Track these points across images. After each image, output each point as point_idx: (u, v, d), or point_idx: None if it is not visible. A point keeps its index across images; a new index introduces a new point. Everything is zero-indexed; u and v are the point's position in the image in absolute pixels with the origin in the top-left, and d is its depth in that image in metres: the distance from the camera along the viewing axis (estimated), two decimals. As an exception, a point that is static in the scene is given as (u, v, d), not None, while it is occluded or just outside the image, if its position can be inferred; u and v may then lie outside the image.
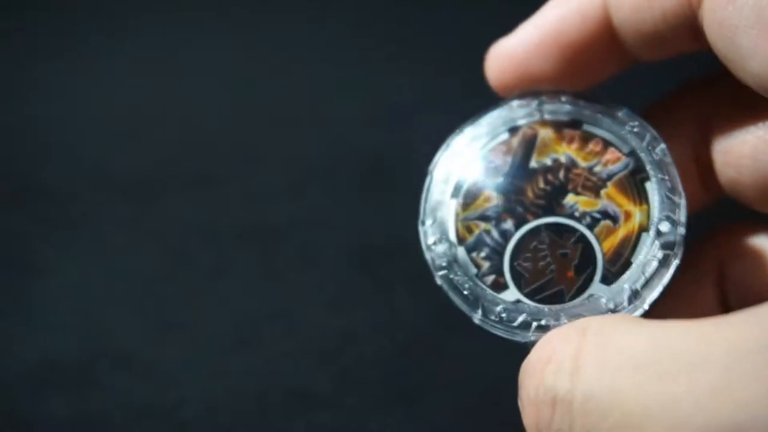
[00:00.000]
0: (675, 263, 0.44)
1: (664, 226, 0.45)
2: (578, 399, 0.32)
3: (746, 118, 0.45)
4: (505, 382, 0.41)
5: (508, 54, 0.47)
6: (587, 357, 0.33)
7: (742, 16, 0.40)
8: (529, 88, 0.47)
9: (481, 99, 0.47)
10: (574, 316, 0.43)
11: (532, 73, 0.47)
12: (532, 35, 0.46)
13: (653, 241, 0.45)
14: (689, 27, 0.44)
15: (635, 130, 0.46)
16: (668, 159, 0.45)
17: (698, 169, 0.47)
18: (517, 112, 0.47)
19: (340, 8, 0.72)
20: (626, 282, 0.44)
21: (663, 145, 0.46)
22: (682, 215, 0.45)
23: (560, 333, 0.36)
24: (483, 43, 0.48)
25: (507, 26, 0.48)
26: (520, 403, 0.38)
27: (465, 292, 0.45)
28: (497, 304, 0.44)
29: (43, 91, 0.59)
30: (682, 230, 0.44)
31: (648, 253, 0.44)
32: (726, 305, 0.47)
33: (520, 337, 0.44)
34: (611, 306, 0.44)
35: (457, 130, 0.47)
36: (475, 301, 0.45)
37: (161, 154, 0.61)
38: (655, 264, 0.44)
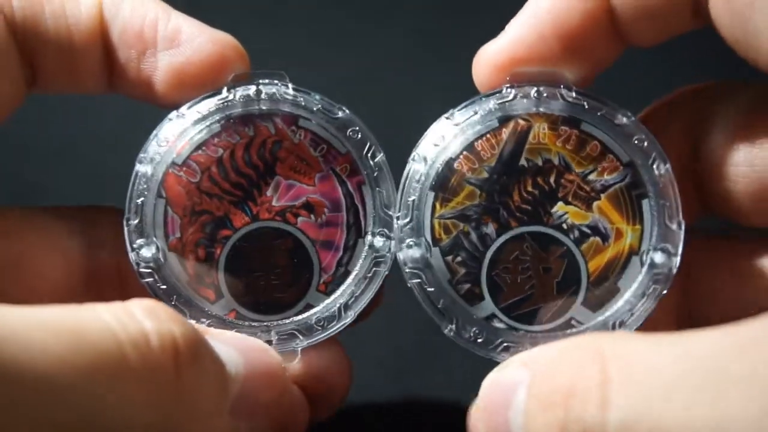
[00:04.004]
0: (663, 294, 0.41)
1: (659, 257, 0.41)
2: (612, 430, 0.31)
3: (739, 126, 0.41)
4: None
5: (503, 53, 0.42)
6: (614, 383, 0.31)
7: None
8: (524, 74, 0.42)
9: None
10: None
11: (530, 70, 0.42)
12: (530, 28, 0.41)
13: (645, 272, 0.42)
14: (691, 2, 0.40)
15: (643, 144, 0.42)
16: (672, 181, 0.41)
17: (690, 184, 0.44)
18: (511, 100, 0.42)
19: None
20: (612, 318, 0.42)
21: (668, 166, 0.41)
22: (679, 246, 0.41)
23: (573, 356, 0.33)
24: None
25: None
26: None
27: (438, 306, 0.42)
28: (472, 324, 0.42)
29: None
30: (676, 262, 0.41)
31: (638, 287, 0.42)
32: (688, 315, 0.45)
33: (491, 357, 0.42)
34: None
35: (444, 116, 0.43)
36: (448, 314, 0.42)
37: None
38: (644, 300, 0.41)
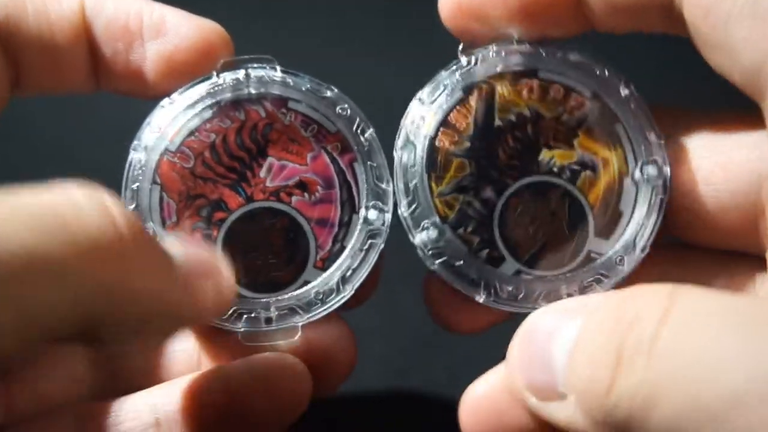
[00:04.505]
0: (665, 203, 0.43)
1: (651, 171, 0.43)
2: (657, 352, 0.32)
3: (702, 145, 0.43)
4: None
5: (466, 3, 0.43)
6: (673, 317, 0.32)
7: (736, 4, 0.38)
8: (475, 37, 0.44)
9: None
10: (588, 282, 0.42)
11: (489, 25, 0.44)
12: None
13: (641, 188, 0.43)
14: (664, 6, 0.41)
15: (603, 74, 0.44)
16: (638, 99, 0.43)
17: None
18: (471, 67, 0.44)
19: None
20: (626, 239, 0.43)
21: (631, 86, 0.43)
22: (665, 156, 0.43)
23: (644, 292, 0.34)
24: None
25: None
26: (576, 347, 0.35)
27: (471, 277, 0.42)
28: (508, 283, 0.42)
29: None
30: (667, 170, 0.43)
31: (641, 203, 0.43)
32: None
33: (534, 309, 0.40)
34: (617, 260, 0.43)
35: (415, 98, 0.44)
36: (482, 282, 0.42)
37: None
38: (650, 214, 0.43)
